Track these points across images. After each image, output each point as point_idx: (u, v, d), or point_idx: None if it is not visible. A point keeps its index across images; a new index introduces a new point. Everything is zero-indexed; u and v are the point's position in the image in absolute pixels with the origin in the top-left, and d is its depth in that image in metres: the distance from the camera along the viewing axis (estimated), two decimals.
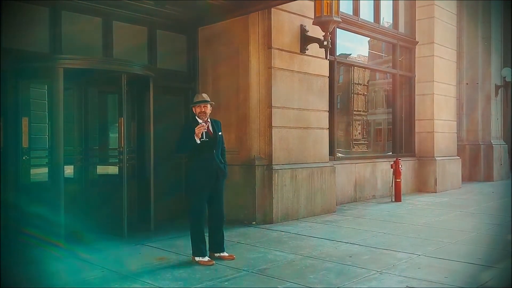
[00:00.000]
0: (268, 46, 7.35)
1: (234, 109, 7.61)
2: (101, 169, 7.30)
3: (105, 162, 7.40)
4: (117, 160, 6.55)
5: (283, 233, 6.57)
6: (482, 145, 14.22)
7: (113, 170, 6.91)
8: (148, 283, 4.37)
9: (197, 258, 5.00)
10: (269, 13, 7.31)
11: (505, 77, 14.94)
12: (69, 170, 6.73)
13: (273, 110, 7.36)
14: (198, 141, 4.94)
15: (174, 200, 7.75)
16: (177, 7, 7.30)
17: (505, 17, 15.25)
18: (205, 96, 5.22)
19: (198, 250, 5.02)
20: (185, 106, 8.18)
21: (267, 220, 7.17)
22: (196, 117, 5.10)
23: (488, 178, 13.91)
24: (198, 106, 5.10)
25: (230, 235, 6.43)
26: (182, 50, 8.12)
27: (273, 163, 7.28)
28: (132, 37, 7.45)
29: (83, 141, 6.96)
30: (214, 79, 7.89)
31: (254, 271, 4.73)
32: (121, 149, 6.38)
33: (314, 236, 6.28)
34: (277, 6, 7.31)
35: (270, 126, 7.35)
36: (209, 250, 5.13)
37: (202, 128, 4.94)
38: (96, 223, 6.23)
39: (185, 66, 8.15)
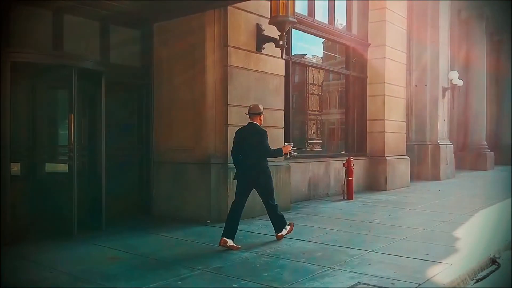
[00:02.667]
0: (224, 44, 7.33)
1: (190, 107, 7.54)
2: (50, 167, 7.04)
3: (54, 159, 7.14)
4: (67, 158, 6.34)
5: (238, 231, 6.55)
6: (429, 145, 14.78)
7: (63, 167, 6.68)
8: (100, 284, 4.26)
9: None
10: (226, 11, 7.29)
11: (451, 80, 15.61)
12: (15, 168, 6.45)
13: (229, 108, 7.35)
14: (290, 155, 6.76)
15: (127, 198, 7.60)
16: (130, 1, 7.13)
17: (452, 22, 15.95)
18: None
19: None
20: (139, 102, 8.04)
21: (223, 218, 7.11)
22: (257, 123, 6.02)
23: (435, 177, 14.46)
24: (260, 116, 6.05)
25: (185, 234, 6.39)
26: (137, 46, 7.98)
27: (228, 162, 7.26)
28: (84, 31, 7.23)
29: (31, 137, 6.69)
30: (170, 76, 7.79)
31: (208, 270, 4.71)
32: (71, 146, 6.19)
33: (269, 234, 6.31)
34: (234, 5, 7.31)
35: (226, 124, 7.34)
36: (226, 236, 5.62)
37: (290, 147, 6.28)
38: (45, 222, 6.01)
39: (139, 62, 7.99)
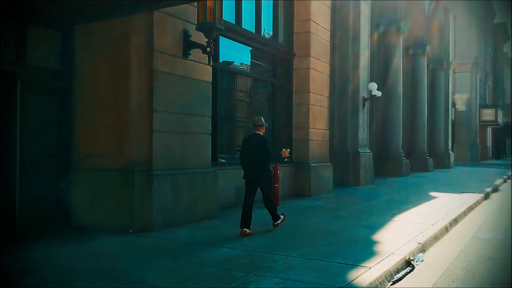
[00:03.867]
0: (150, 49, 7.18)
1: (114, 112, 7.29)
2: None
3: None
4: None
5: (164, 240, 6.43)
6: (351, 153, 15.39)
7: None
8: None
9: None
10: (152, 16, 7.14)
11: (371, 91, 16.41)
12: None
13: (155, 114, 7.19)
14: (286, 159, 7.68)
15: (44, 207, 7.17)
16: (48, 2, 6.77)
17: (371, 36, 16.80)
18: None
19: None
20: (59, 106, 7.63)
21: (147, 227, 6.95)
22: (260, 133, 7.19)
23: (356, 183, 15.06)
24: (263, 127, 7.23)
25: (107, 244, 6.14)
26: (57, 48, 7.59)
27: (153, 169, 7.10)
28: None
29: None
30: (93, 80, 7.49)
31: (133, 281, 4.55)
32: None
33: (195, 242, 6.24)
34: (160, 10, 7.18)
35: (151, 130, 7.17)
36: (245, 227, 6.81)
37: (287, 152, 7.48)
38: None
39: (60, 65, 7.60)
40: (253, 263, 5.30)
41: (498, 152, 50.90)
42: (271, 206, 7.24)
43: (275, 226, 7.25)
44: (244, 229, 6.75)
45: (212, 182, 8.22)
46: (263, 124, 7.24)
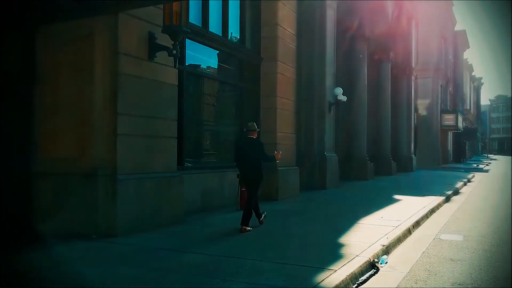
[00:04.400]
0: (115, 51, 7.04)
1: (77, 115, 7.12)
2: None
3: None
4: None
5: (127, 246, 6.29)
6: (317, 157, 15.54)
7: None
8: None
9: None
10: (117, 17, 7.01)
11: (337, 96, 16.64)
12: None
13: (119, 117, 7.05)
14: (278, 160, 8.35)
15: (4, 212, 6.89)
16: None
17: (337, 41, 17.05)
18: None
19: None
20: (20, 109, 7.37)
21: (111, 233, 6.79)
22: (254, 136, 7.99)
23: (323, 186, 15.21)
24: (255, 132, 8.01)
25: (71, 250, 5.96)
26: (17, 49, 7.33)
27: (118, 173, 6.95)
28: None
29: None
30: (55, 82, 7.27)
31: None
32: None
33: (160, 248, 6.14)
34: (125, 11, 7.06)
35: (115, 133, 7.02)
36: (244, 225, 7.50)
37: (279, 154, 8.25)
38: None
39: (19, 66, 7.35)
40: (219, 268, 5.25)
41: (459, 156, 52.54)
42: (250, 206, 7.75)
43: (261, 223, 8.01)
44: (244, 226, 7.45)
45: (178, 186, 8.12)
46: (256, 129, 8.04)
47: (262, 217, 8.05)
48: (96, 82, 7.01)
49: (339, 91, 16.62)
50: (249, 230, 7.41)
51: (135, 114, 7.34)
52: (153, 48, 7.50)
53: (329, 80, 16.08)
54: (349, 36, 20.47)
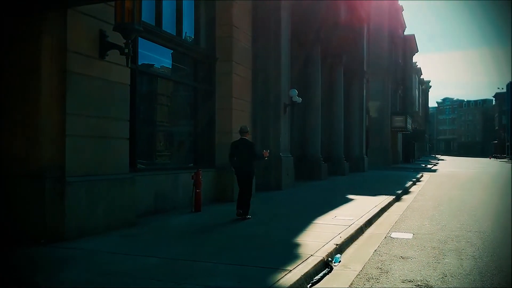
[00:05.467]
0: (63, 48, 6.78)
1: (23, 115, 6.81)
2: None
3: None
4: None
5: (77, 250, 6.06)
6: (272, 157, 15.57)
7: None
8: None
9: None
10: (65, 14, 6.75)
11: (292, 97, 16.80)
12: None
13: (69, 118, 6.79)
14: (266, 158, 9.54)
15: None
16: None
17: (292, 44, 17.21)
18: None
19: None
20: None
21: (60, 237, 6.53)
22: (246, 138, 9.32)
23: (278, 187, 15.29)
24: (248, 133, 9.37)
25: (13, 256, 5.68)
26: None
27: (66, 175, 6.70)
28: None
29: None
30: (3, 81, 6.91)
31: None
32: None
33: (111, 252, 5.96)
34: (75, 8, 6.82)
35: (64, 134, 6.76)
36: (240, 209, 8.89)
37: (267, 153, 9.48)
38: None
39: None
40: (173, 271, 5.15)
41: (408, 157, 54.42)
42: (248, 200, 9.01)
43: (245, 218, 8.84)
44: (240, 210, 8.84)
45: (130, 188, 7.92)
46: (248, 131, 9.41)
47: (249, 216, 8.98)
48: (43, 81, 6.73)
49: (294, 92, 16.79)
50: (249, 218, 8.81)
51: (85, 115, 7.10)
52: (104, 46, 7.28)
53: (284, 81, 16.20)
54: (304, 39, 20.75)
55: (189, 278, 4.83)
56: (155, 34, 9.84)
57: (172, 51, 11.15)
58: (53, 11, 6.75)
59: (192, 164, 11.51)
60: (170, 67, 11.63)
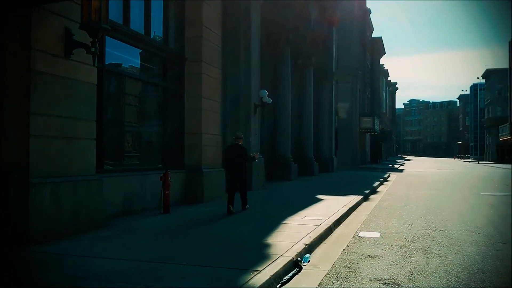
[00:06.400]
0: (27, 47, 6.59)
1: None
2: None
3: None
4: None
5: (42, 254, 5.89)
6: None
7: None
8: None
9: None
10: (30, 12, 6.56)
11: (262, 98, 16.85)
12: None
13: (32, 118, 6.60)
14: (256, 160, 11.64)
15: None
16: None
17: (262, 45, 17.26)
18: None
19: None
20: None
21: (24, 240, 6.33)
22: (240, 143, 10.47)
23: (248, 188, 15.12)
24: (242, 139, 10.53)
25: None
26: None
27: (30, 176, 6.51)
28: None
29: None
30: None
31: None
32: None
33: (80, 255, 5.82)
34: (41, 5, 6.64)
35: (28, 134, 6.56)
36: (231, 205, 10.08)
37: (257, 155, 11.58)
38: None
39: None
40: (142, 273, 5.07)
41: (376, 157, 55.45)
42: (245, 195, 10.49)
43: (246, 209, 10.38)
44: (230, 205, 9.97)
45: (97, 189, 7.77)
46: (242, 137, 10.58)
47: (247, 207, 10.52)
48: (7, 79, 6.56)
49: (264, 93, 16.85)
50: (247, 208, 10.36)
51: (50, 114, 6.92)
52: (70, 45, 7.11)
53: (254, 82, 16.24)
54: (274, 40, 20.84)
55: (160, 280, 4.77)
56: (123, 33, 9.68)
57: (141, 50, 11.00)
58: (18, 8, 6.55)
59: (161, 165, 11.36)
60: (139, 67, 11.46)
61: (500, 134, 69.86)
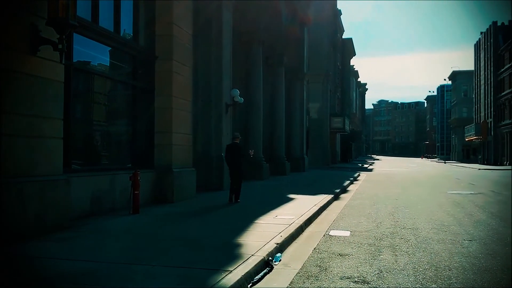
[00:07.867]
0: None
1: None
2: None
3: None
4: None
5: (5, 256, 5.70)
6: (214, 158, 15.55)
7: None
8: None
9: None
10: None
11: (234, 97, 16.81)
12: None
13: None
14: (252, 156, 13.56)
15: None
16: None
17: (234, 44, 17.22)
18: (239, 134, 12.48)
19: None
20: None
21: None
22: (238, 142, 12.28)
23: (220, 187, 15.25)
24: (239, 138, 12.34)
25: None
26: None
27: (8, 178, 6.30)
28: None
29: None
30: None
31: None
32: None
33: (47, 256, 5.67)
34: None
35: None
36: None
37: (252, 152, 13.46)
38: None
39: None
40: (111, 275, 4.98)
41: (346, 157, 56.22)
42: (239, 189, 11.96)
43: (238, 201, 11.86)
44: (232, 195, 11.85)
45: (63, 190, 7.58)
46: (239, 137, 12.35)
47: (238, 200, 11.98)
48: None
49: (236, 92, 16.81)
50: (239, 202, 11.81)
51: (15, 113, 6.71)
52: (36, 41, 6.92)
53: (226, 81, 16.19)
54: (246, 39, 20.84)
55: (128, 282, 4.69)
56: (92, 30, 9.48)
57: (110, 48, 10.80)
58: None
59: (130, 165, 11.18)
60: (108, 65, 11.25)
61: (466, 135, 72.03)
